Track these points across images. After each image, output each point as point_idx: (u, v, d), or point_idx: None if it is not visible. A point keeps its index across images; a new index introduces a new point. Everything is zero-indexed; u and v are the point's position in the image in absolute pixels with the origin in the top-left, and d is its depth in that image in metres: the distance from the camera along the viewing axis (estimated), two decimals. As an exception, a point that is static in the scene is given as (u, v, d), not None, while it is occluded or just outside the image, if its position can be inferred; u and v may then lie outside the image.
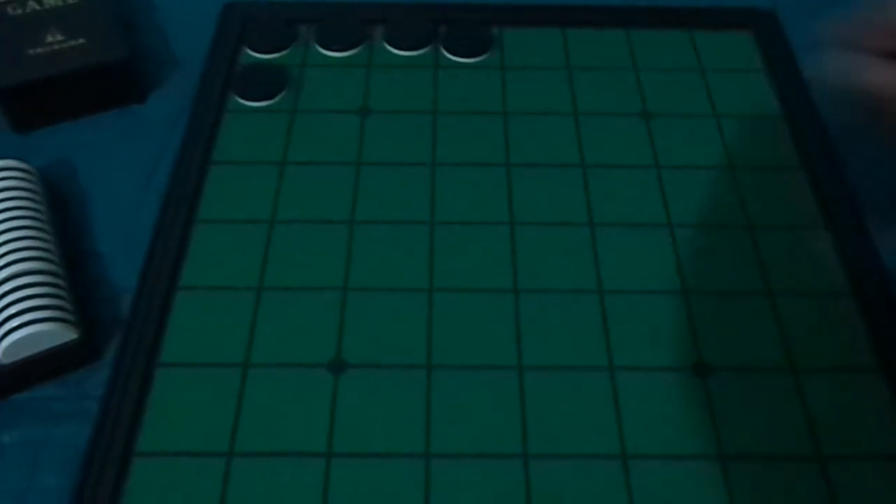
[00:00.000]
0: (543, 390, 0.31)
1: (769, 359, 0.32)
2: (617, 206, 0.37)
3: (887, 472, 0.29)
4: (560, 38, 0.45)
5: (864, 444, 0.30)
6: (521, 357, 0.32)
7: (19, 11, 0.41)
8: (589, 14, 0.46)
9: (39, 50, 0.40)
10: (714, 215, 0.37)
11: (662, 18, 0.46)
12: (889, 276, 0.35)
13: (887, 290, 0.34)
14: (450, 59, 0.43)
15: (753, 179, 0.38)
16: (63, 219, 0.37)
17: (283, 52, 0.44)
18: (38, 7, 0.42)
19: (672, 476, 0.29)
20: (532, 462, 0.29)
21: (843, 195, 0.38)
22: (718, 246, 0.36)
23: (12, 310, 0.31)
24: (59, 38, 0.40)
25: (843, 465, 0.29)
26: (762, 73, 0.43)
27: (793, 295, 0.34)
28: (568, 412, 0.31)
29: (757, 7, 0.46)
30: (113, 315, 0.34)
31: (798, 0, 0.48)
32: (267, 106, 0.41)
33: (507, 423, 0.30)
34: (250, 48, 0.44)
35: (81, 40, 0.40)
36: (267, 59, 0.43)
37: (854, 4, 0.29)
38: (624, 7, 0.46)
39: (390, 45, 0.44)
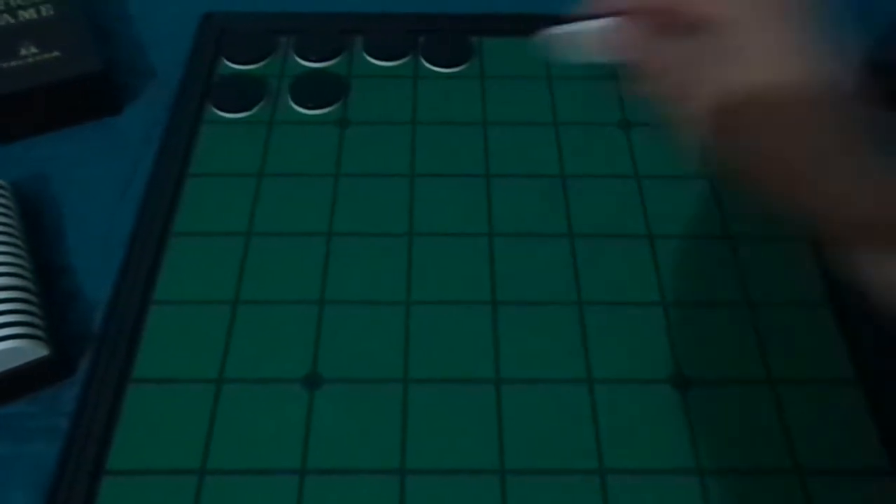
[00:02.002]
0: (521, 404, 0.31)
1: (747, 370, 0.32)
2: (596, 217, 0.37)
3: (864, 485, 0.29)
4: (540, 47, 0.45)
5: (843, 457, 0.30)
6: (499, 370, 0.32)
7: (-6, 24, 0.41)
8: (570, 23, 0.46)
9: (13, 63, 0.39)
10: (694, 227, 0.37)
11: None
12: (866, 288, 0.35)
13: (864, 302, 0.34)
14: (429, 69, 0.43)
15: (733, 190, 0.38)
16: (36, 233, 0.37)
17: (262, 63, 0.43)
18: (11, 20, 0.41)
19: (650, 491, 0.29)
20: (509, 477, 0.29)
21: (823, 204, 0.37)
22: (698, 257, 0.36)
23: (-18, 326, 0.31)
24: (34, 50, 0.40)
25: (821, 477, 0.29)
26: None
27: (771, 306, 0.34)
28: (546, 426, 0.30)
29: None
30: (86, 330, 0.34)
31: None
32: (244, 117, 0.41)
33: (484, 438, 0.30)
34: (228, 59, 0.43)
35: (56, 53, 0.40)
36: (245, 70, 0.43)
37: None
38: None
39: (369, 55, 0.44)
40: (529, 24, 0.45)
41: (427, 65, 0.43)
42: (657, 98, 0.29)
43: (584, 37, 0.31)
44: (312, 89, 0.42)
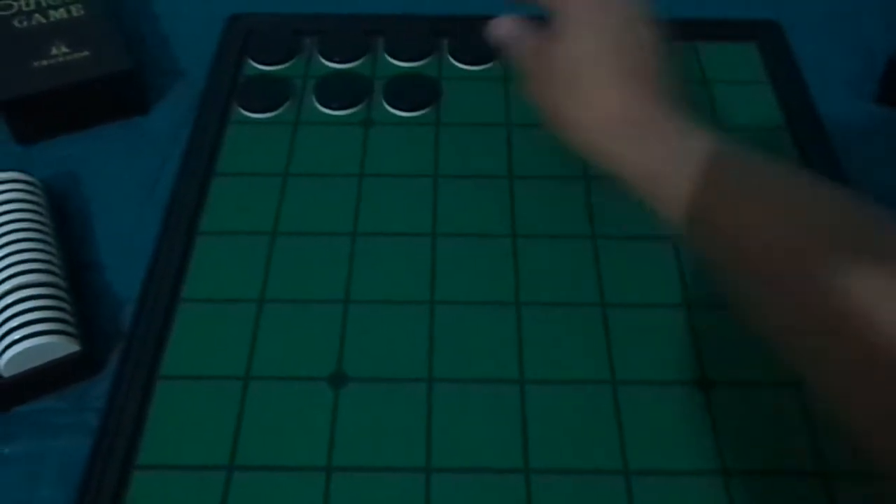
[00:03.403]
0: (545, 404, 0.31)
1: (771, 372, 0.32)
2: (620, 218, 0.37)
3: (886, 487, 0.29)
4: (563, 49, 0.45)
5: (867, 459, 0.30)
6: (524, 371, 0.32)
7: (25, 24, 0.42)
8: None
9: (45, 62, 0.40)
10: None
11: (667, 30, 0.46)
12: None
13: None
14: (455, 68, 0.43)
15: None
16: (66, 230, 0.37)
17: (287, 64, 0.44)
18: (43, 20, 0.42)
19: (674, 491, 0.29)
20: (534, 477, 0.29)
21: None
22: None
23: (14, 322, 0.31)
24: (65, 50, 0.41)
25: (846, 480, 0.29)
26: (766, 84, 0.43)
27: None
28: (570, 426, 0.30)
29: (761, 19, 0.46)
30: (115, 327, 0.34)
31: (802, 12, 0.48)
32: (270, 117, 0.41)
33: (509, 437, 0.30)
34: (254, 60, 0.44)
35: (86, 52, 0.41)
36: (270, 71, 0.43)
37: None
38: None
39: (392, 56, 0.44)
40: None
41: (453, 62, 0.44)
42: (532, 99, 0.32)
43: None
44: (337, 90, 0.42)
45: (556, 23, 0.31)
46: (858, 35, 0.47)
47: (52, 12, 0.42)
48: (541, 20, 0.32)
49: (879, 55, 0.45)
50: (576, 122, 0.29)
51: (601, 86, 0.29)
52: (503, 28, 0.33)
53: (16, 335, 0.31)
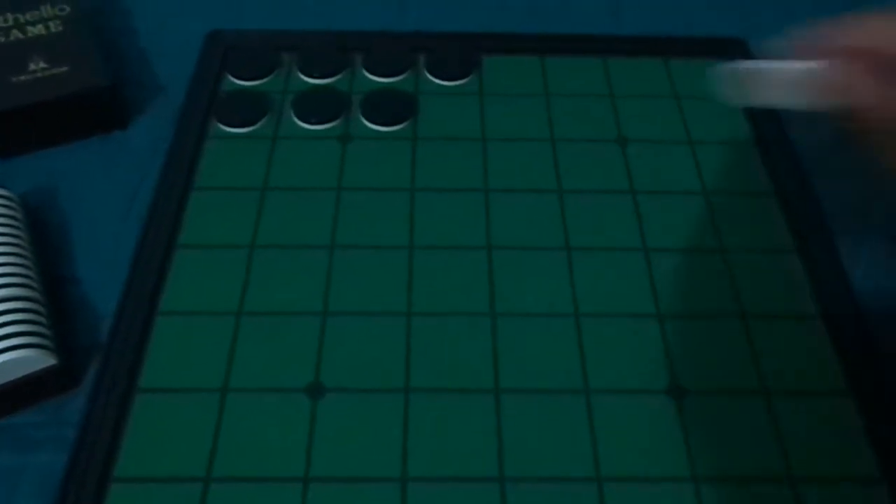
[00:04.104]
0: (520, 413, 0.32)
1: (742, 381, 0.33)
2: (593, 231, 0.38)
3: (855, 493, 0.30)
4: (539, 65, 0.46)
5: (834, 466, 0.30)
6: (498, 380, 0.32)
7: (2, 39, 0.42)
8: (567, 42, 0.47)
9: (23, 77, 0.40)
10: (688, 239, 0.38)
11: (638, 47, 0.47)
12: (858, 301, 0.35)
13: (856, 315, 0.35)
14: (431, 83, 0.44)
15: (726, 204, 0.39)
16: (43, 245, 0.37)
17: (265, 80, 0.44)
18: (21, 36, 0.42)
19: (646, 498, 0.29)
20: (508, 485, 0.30)
21: (815, 220, 0.38)
22: (692, 269, 0.37)
23: (-9, 336, 0.31)
24: (43, 65, 0.41)
25: (813, 485, 0.30)
26: (735, 99, 0.44)
27: (764, 318, 0.35)
28: (544, 435, 0.31)
29: (729, 36, 0.47)
30: (92, 341, 0.34)
31: (768, 29, 0.49)
32: (248, 132, 0.42)
33: (484, 446, 0.31)
34: (233, 75, 0.44)
35: (64, 68, 0.41)
36: (249, 86, 0.44)
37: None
38: (601, 36, 0.47)
39: (370, 71, 0.45)
40: (530, 42, 0.47)
41: (430, 77, 0.44)
42: (866, 133, 0.28)
43: (781, 78, 0.29)
44: (315, 105, 0.43)
45: None
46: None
47: (30, 28, 0.42)
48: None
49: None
50: None
51: None
52: (838, 73, 0.27)
53: (-8, 349, 0.31)
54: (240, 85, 0.44)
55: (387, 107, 0.43)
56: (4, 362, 0.31)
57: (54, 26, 0.43)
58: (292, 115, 0.42)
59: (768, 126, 0.42)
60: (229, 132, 0.42)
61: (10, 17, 0.43)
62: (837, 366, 0.33)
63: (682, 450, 0.31)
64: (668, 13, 0.50)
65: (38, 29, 0.42)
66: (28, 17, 0.43)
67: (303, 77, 0.44)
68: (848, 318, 0.34)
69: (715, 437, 0.31)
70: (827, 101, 0.28)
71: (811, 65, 0.28)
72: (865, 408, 0.32)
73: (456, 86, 0.44)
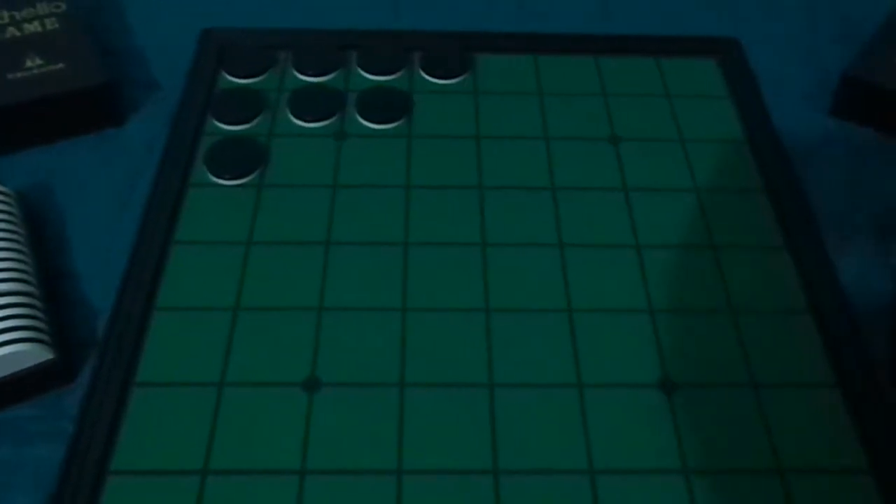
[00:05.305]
0: (514, 407, 0.32)
1: (732, 375, 0.33)
2: (586, 228, 0.38)
3: (843, 484, 0.30)
4: (532, 64, 0.46)
5: (822, 457, 0.31)
6: (493, 375, 0.33)
7: (-1, 36, 0.42)
8: (560, 42, 0.47)
9: (19, 74, 0.40)
10: (679, 236, 0.38)
11: (630, 46, 0.47)
12: (846, 295, 0.36)
13: (844, 309, 0.35)
14: (427, 81, 0.44)
15: (717, 201, 0.40)
16: (40, 240, 0.38)
17: (261, 77, 0.44)
18: (17, 33, 0.42)
19: (637, 490, 0.30)
20: (502, 477, 0.30)
21: (803, 216, 0.39)
22: (683, 265, 0.37)
23: (-12, 330, 0.32)
24: (39, 62, 0.41)
25: (801, 477, 0.30)
26: (726, 99, 0.45)
27: (754, 313, 0.35)
28: (537, 429, 0.31)
29: (722, 36, 0.48)
30: (89, 336, 0.35)
31: (760, 29, 0.50)
32: (244, 129, 0.42)
33: (478, 440, 0.31)
34: (228, 73, 0.44)
35: (61, 65, 0.41)
36: (244, 84, 0.44)
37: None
38: (593, 35, 0.48)
39: (365, 69, 0.45)
40: (523, 41, 0.47)
41: (425, 76, 0.45)
42: None
43: None
44: (310, 102, 0.43)
45: None
46: (814, 51, 0.49)
47: (26, 25, 0.43)
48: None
49: (833, 71, 0.47)
50: None
51: None
52: None
53: (-10, 343, 0.31)
54: (235, 83, 0.44)
55: (382, 105, 0.43)
56: (2, 356, 0.31)
57: (50, 24, 0.43)
58: (288, 112, 0.43)
59: (759, 125, 0.43)
60: (225, 129, 0.42)
61: (6, 14, 0.43)
62: (826, 359, 0.34)
63: (673, 442, 0.31)
64: (659, 13, 0.51)
65: (35, 26, 0.43)
66: (24, 14, 0.43)
67: (298, 75, 0.45)
68: (836, 312, 0.35)
69: (705, 430, 0.32)
70: None
71: None
72: (853, 400, 0.32)
73: (450, 84, 0.45)
